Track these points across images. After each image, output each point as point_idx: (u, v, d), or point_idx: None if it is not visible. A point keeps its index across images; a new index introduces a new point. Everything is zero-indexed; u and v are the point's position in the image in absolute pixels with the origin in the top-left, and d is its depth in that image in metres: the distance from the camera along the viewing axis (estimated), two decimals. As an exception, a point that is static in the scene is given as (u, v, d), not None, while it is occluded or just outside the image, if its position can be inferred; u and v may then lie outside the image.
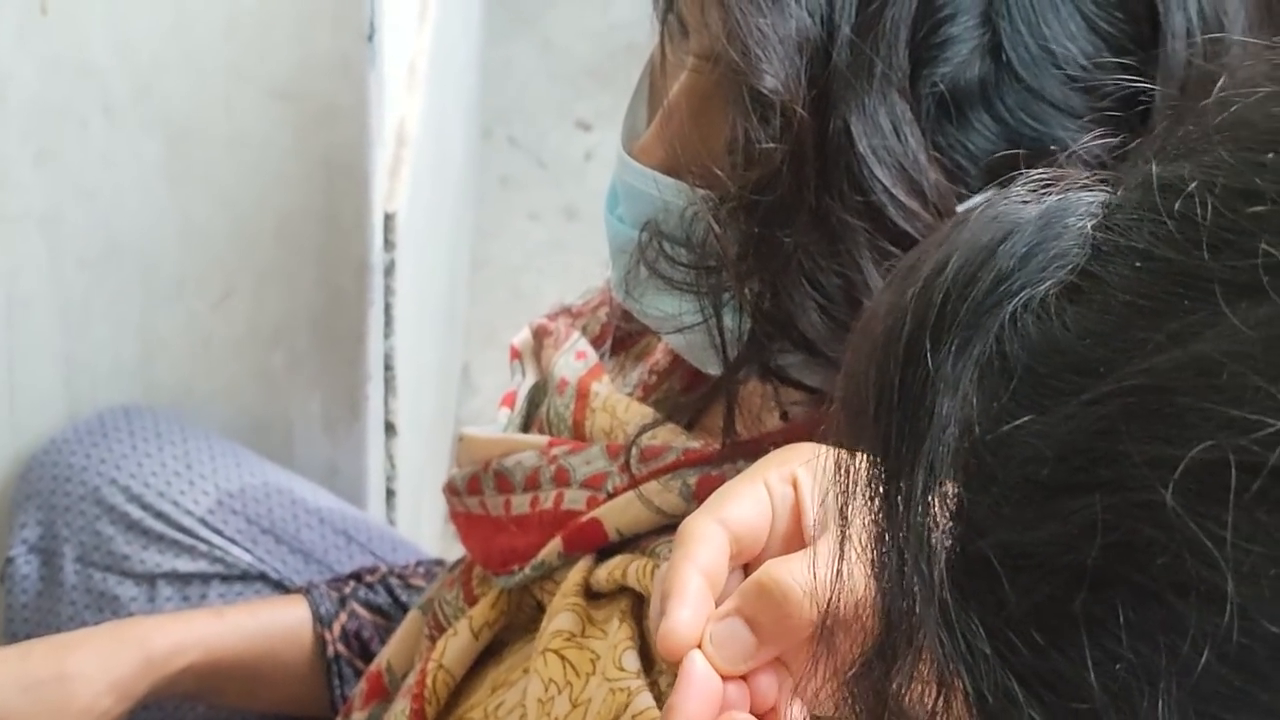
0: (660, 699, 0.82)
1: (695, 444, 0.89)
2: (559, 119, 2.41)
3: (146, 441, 1.28)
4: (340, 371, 1.35)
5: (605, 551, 0.91)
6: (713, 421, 0.91)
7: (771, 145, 0.77)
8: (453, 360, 2.04)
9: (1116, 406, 0.45)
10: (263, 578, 1.23)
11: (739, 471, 0.84)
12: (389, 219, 1.31)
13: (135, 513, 1.24)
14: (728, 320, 0.82)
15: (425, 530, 1.64)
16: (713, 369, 0.86)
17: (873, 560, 0.50)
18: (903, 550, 0.48)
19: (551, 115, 2.42)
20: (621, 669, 0.84)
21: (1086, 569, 0.45)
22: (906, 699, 0.50)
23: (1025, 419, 0.47)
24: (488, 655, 0.98)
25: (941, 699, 0.48)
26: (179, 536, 1.23)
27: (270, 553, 1.24)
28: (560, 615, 0.89)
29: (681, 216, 0.83)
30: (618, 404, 0.95)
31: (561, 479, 0.93)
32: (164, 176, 1.25)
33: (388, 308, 1.35)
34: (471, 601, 1.01)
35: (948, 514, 0.47)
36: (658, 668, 0.84)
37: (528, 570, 0.94)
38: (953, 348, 0.48)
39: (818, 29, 0.77)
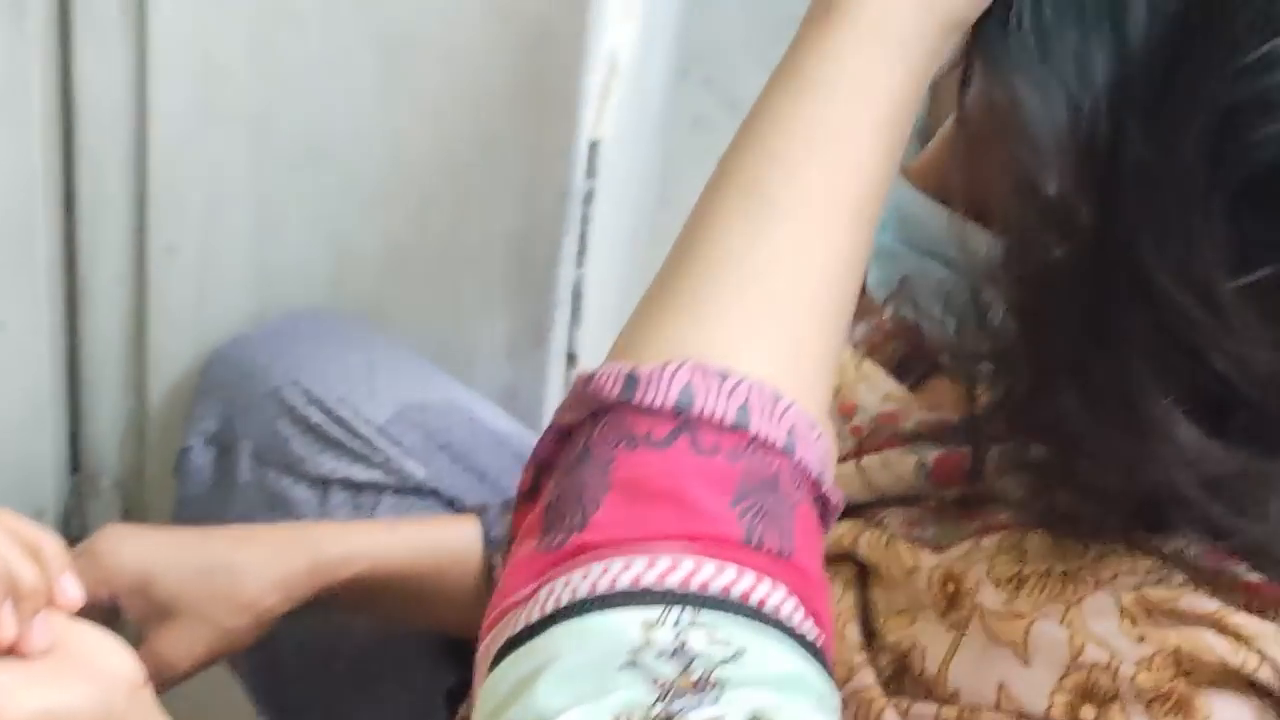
0: (881, 674, 0.80)
1: (932, 415, 0.86)
2: (756, 63, 2.39)
3: (332, 346, 1.28)
4: (529, 296, 1.34)
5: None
6: (940, 385, 0.88)
7: (1049, 244, 0.72)
8: (631, 297, 2.03)
9: None
10: (435, 494, 1.23)
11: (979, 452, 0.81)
12: (594, 146, 1.30)
13: (315, 416, 1.24)
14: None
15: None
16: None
17: None
18: None
19: (749, 59, 2.40)
20: (843, 639, 0.81)
21: None
22: None
23: None
24: None
25: None
26: (356, 444, 1.23)
27: (445, 470, 1.24)
28: None
29: (939, 286, 0.80)
30: (848, 361, 0.92)
31: None
32: (375, 85, 1.24)
33: (582, 236, 1.34)
34: None
35: None
36: (877, 641, 0.81)
37: None
38: None
39: (1103, 124, 0.72)
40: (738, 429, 0.66)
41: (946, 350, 0.81)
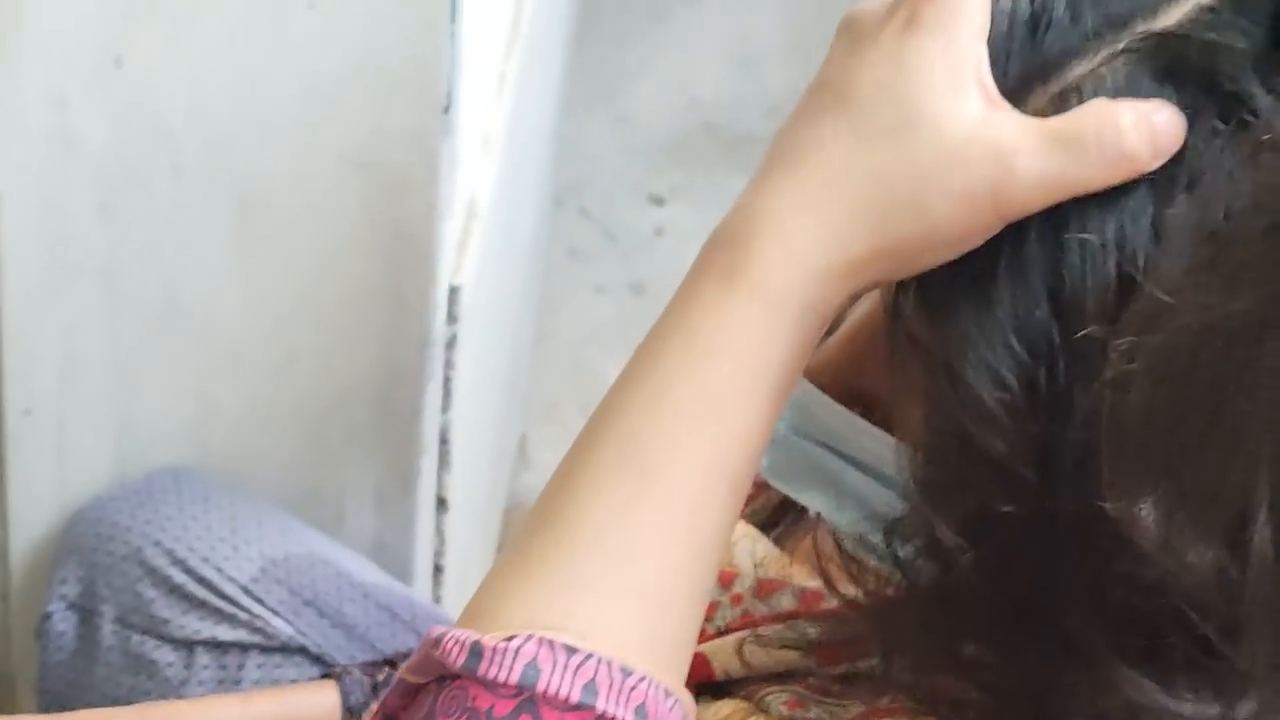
0: None
1: (812, 583, 0.84)
2: (632, 193, 2.40)
3: (194, 504, 1.26)
4: (395, 444, 1.33)
5: (713, 687, 0.85)
6: (807, 535, 0.87)
7: (988, 496, 0.67)
8: (510, 433, 2.02)
9: None
10: (302, 651, 1.21)
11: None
12: (454, 292, 1.30)
13: (178, 576, 1.22)
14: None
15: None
16: None
17: None
18: None
19: (624, 189, 2.40)
20: None
21: None
22: None
23: None
24: None
25: None
26: (220, 604, 1.21)
27: (312, 626, 1.22)
28: None
29: (832, 477, 0.78)
30: None
31: None
32: (230, 239, 1.23)
33: (447, 381, 1.33)
34: None
35: None
36: None
37: None
38: None
39: (1049, 379, 0.67)
40: (582, 708, 0.64)
41: (853, 578, 0.78)
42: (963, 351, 0.68)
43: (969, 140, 0.67)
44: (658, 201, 2.39)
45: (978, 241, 0.68)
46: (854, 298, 0.71)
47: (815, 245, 0.68)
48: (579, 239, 2.36)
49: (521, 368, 2.06)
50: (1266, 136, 0.55)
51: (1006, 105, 0.69)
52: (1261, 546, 0.50)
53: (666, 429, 0.68)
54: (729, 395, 0.68)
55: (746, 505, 0.92)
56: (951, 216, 0.68)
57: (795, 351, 0.69)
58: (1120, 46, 0.68)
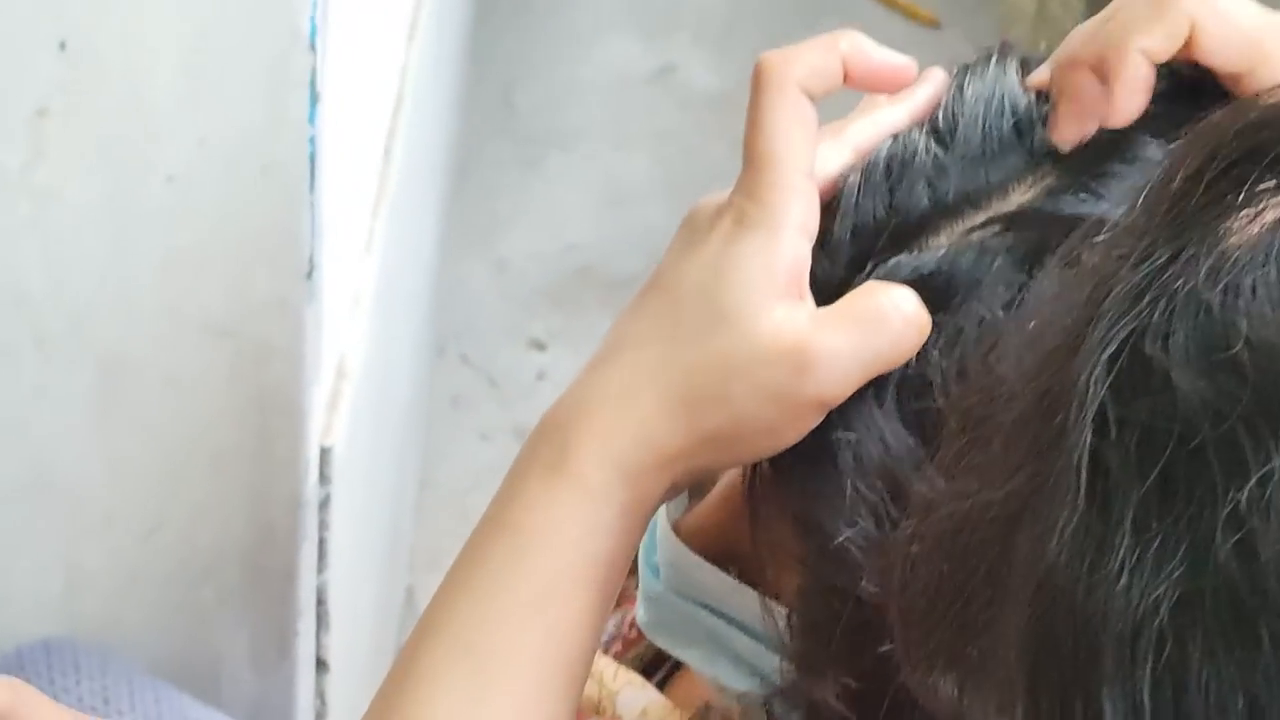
0: None
1: None
2: (512, 338, 2.41)
3: (65, 676, 1.25)
4: (270, 608, 1.33)
5: None
6: (688, 685, 0.88)
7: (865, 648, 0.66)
8: (395, 585, 2.01)
9: None
10: (175, 822, 1.20)
11: None
12: (325, 453, 1.30)
13: (46, 751, 1.20)
14: None
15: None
16: None
17: None
18: None
19: (505, 334, 2.41)
20: None
21: None
22: None
23: None
24: None
25: None
26: (89, 780, 1.20)
27: (184, 796, 1.21)
28: None
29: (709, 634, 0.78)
30: (605, 669, 0.90)
31: None
32: (95, 410, 1.23)
33: (322, 542, 1.33)
34: None
35: None
36: None
37: None
38: None
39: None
40: None
41: None
42: (817, 501, 0.69)
43: (774, 335, 0.69)
44: (539, 346, 2.40)
45: (796, 434, 0.70)
46: (678, 488, 0.72)
47: (629, 441, 0.69)
48: (461, 386, 2.36)
49: (405, 519, 2.06)
50: (1030, 326, 0.56)
51: (811, 303, 0.70)
52: None
53: (499, 625, 0.68)
54: (557, 588, 0.69)
55: (628, 650, 0.92)
56: (760, 410, 0.69)
57: (621, 542, 0.70)
58: (973, 223, 0.70)
